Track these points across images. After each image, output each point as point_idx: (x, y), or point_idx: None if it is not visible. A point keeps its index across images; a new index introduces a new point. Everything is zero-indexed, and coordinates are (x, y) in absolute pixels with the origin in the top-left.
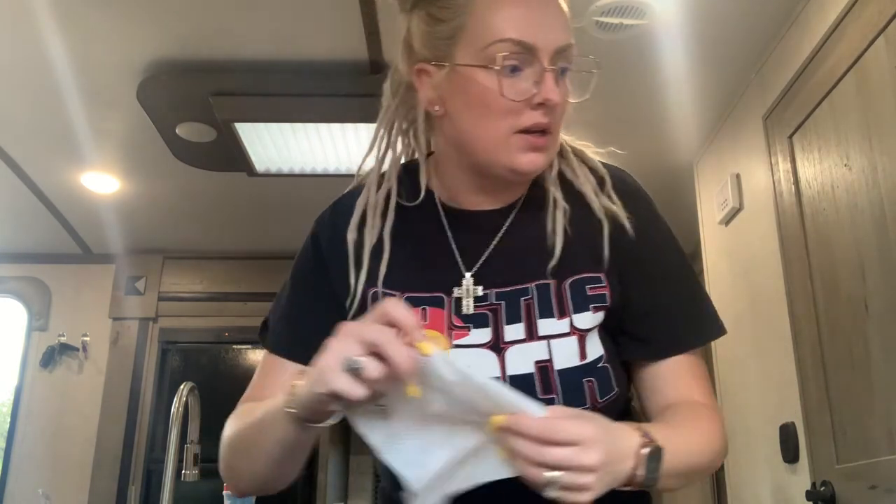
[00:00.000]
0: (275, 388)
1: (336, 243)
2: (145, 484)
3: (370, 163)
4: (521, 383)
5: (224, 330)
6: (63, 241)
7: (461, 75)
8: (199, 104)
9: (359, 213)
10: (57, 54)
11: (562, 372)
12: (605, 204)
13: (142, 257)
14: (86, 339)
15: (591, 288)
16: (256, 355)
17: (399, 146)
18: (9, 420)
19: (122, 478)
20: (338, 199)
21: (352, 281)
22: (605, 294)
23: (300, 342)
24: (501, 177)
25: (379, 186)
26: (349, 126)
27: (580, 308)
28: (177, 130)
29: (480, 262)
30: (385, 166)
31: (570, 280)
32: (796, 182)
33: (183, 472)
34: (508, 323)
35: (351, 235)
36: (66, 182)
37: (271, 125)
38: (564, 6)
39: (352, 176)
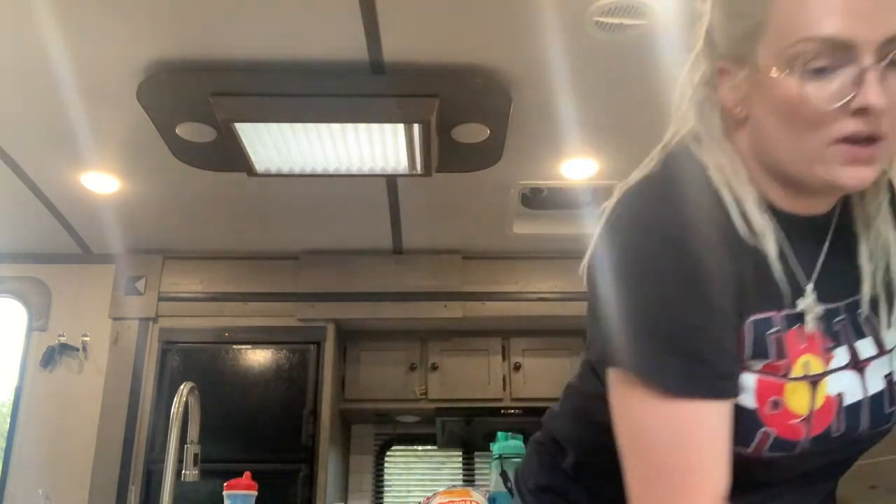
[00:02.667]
0: (716, 445)
1: None
2: (145, 484)
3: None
4: (877, 401)
5: (224, 330)
6: (63, 241)
7: (763, 78)
8: (199, 104)
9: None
10: (57, 54)
11: None
12: None
13: (142, 257)
14: (86, 339)
15: None
16: (256, 355)
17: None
18: (9, 420)
19: (122, 478)
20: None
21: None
22: None
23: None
24: (819, 189)
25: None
26: (349, 126)
27: None
28: (177, 130)
29: (816, 272)
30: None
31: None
32: None
33: (183, 472)
34: (858, 338)
35: None
36: (66, 182)
37: (271, 125)
38: None
39: (352, 176)
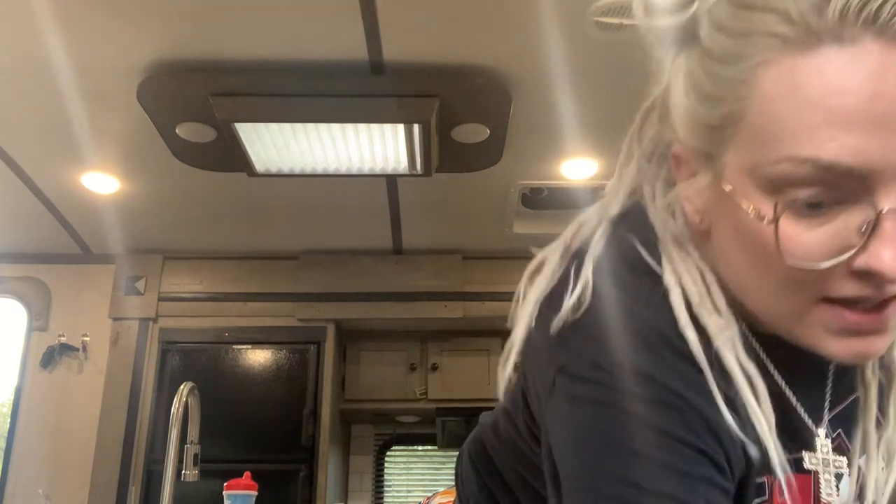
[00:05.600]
0: None
1: None
2: (145, 484)
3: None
4: None
5: (224, 330)
6: (63, 241)
7: (730, 194)
8: (199, 104)
9: None
10: (57, 55)
11: None
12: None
13: (142, 257)
14: (86, 339)
15: None
16: (256, 355)
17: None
18: (9, 420)
19: (122, 478)
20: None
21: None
22: None
23: None
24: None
25: None
26: (349, 126)
27: None
28: (177, 130)
29: (825, 409)
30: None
31: None
32: None
33: (183, 472)
34: (860, 454)
35: None
36: (66, 182)
37: (271, 125)
38: None
39: (352, 176)
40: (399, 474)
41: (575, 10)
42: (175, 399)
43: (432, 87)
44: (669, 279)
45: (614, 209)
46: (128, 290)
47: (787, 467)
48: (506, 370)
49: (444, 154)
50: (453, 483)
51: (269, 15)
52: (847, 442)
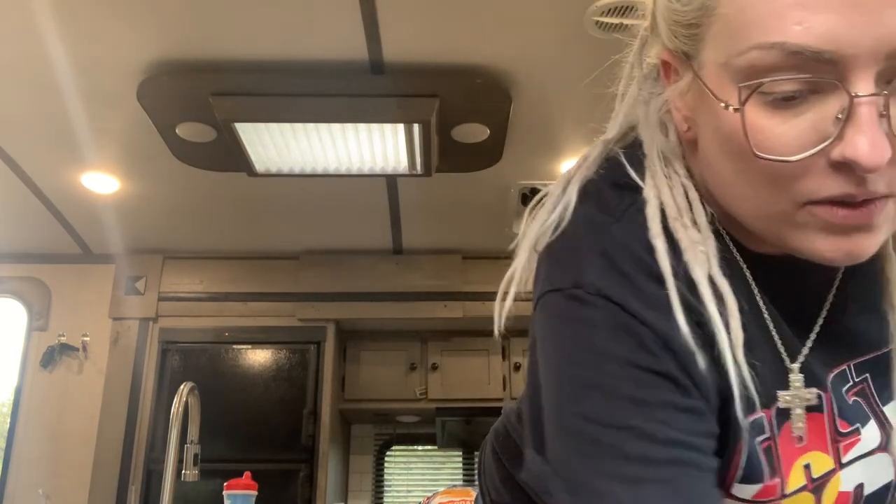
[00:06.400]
0: None
1: None
2: (145, 484)
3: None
4: None
5: (224, 330)
6: (63, 241)
7: (707, 93)
8: (199, 104)
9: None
10: (57, 54)
11: None
12: None
13: (142, 257)
14: (86, 339)
15: None
16: (256, 355)
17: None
18: (9, 420)
19: (122, 478)
20: None
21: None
22: None
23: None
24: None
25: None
26: (349, 126)
27: None
28: (177, 130)
29: (813, 335)
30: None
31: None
32: None
33: (183, 472)
34: (887, 401)
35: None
36: (66, 182)
37: (271, 125)
38: None
39: (352, 176)
40: (399, 474)
41: (575, 10)
42: (175, 399)
43: (432, 87)
44: (649, 192)
45: (611, 132)
46: (128, 290)
47: (753, 392)
48: (505, 303)
49: (444, 154)
50: (454, 483)
51: (269, 15)
52: (872, 389)
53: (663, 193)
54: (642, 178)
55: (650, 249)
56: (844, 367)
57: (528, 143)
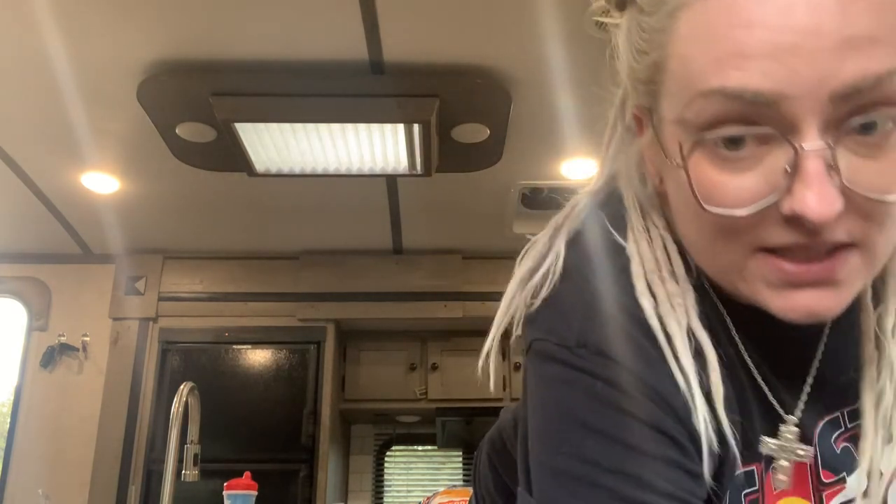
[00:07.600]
0: None
1: None
2: (145, 484)
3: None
4: None
5: (224, 330)
6: (63, 241)
7: (663, 146)
8: (199, 104)
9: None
10: (57, 54)
11: None
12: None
13: (142, 257)
14: (86, 339)
15: None
16: (256, 355)
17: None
18: (9, 420)
19: (122, 478)
20: None
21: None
22: None
23: None
24: None
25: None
26: (349, 126)
27: None
28: (177, 130)
29: (808, 386)
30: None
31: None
32: None
33: (183, 472)
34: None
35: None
36: (66, 182)
37: (271, 125)
38: None
39: (352, 176)
40: (399, 474)
41: (575, 10)
42: (175, 399)
43: (432, 87)
44: (631, 249)
45: (596, 184)
46: (128, 290)
47: (733, 442)
48: (489, 355)
49: (443, 154)
50: (454, 483)
51: (269, 15)
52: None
53: (641, 247)
54: (624, 231)
55: (640, 306)
56: (837, 413)
57: (528, 143)
